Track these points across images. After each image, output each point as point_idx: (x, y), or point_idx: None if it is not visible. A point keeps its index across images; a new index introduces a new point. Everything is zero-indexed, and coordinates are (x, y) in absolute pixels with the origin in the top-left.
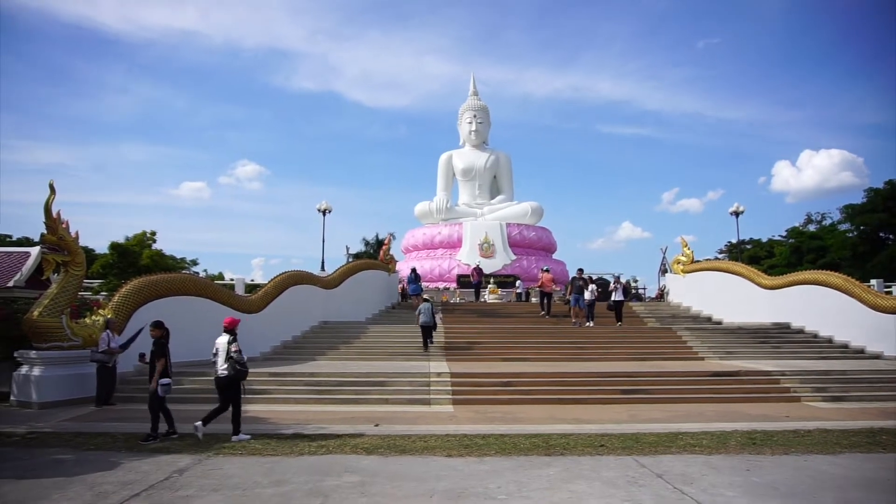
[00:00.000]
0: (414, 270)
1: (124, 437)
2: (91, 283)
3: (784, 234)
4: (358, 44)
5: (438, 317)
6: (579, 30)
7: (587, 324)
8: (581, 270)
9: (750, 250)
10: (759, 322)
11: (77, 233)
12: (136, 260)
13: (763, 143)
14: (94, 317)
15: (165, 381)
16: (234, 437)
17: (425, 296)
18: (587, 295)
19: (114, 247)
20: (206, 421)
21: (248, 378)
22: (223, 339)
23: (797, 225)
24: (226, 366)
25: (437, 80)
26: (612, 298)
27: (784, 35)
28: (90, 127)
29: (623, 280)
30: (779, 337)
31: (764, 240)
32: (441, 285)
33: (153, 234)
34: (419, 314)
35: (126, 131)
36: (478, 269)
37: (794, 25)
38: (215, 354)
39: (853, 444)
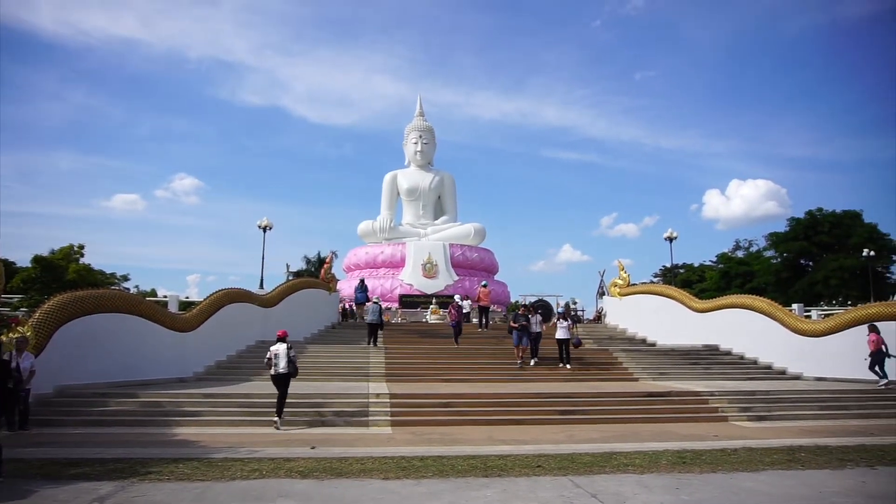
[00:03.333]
0: (362, 281)
1: (39, 462)
2: (10, 298)
3: (714, 259)
4: (306, 60)
5: (389, 314)
6: (527, 56)
7: (531, 361)
8: (526, 307)
9: (683, 274)
10: (691, 344)
11: None
12: (61, 274)
13: (695, 172)
14: (11, 334)
15: None
16: (276, 418)
17: (374, 298)
18: (534, 327)
19: (37, 260)
20: (279, 413)
21: (178, 400)
22: (282, 347)
23: (726, 251)
24: (286, 366)
25: (385, 100)
26: (557, 336)
27: (715, 71)
28: (18, 133)
29: (570, 307)
30: (708, 358)
31: (696, 264)
32: (383, 305)
33: (81, 247)
34: (367, 312)
35: (57, 139)
36: (457, 307)
37: (725, 62)
38: (276, 357)
39: (774, 462)
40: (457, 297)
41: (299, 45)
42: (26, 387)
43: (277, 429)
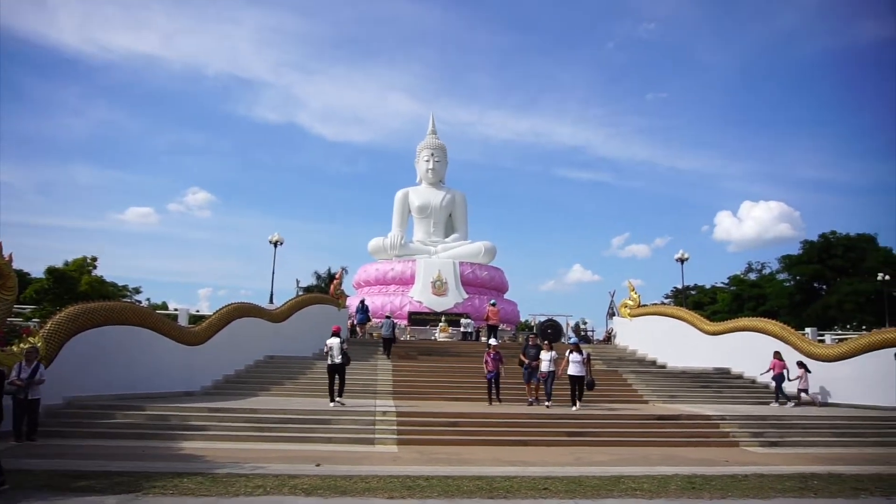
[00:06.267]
0: (362, 302)
1: (47, 474)
2: (23, 308)
3: (726, 281)
4: (323, 78)
5: (397, 331)
6: (541, 76)
7: (545, 403)
8: (535, 336)
9: (694, 296)
10: (702, 366)
11: (11, 255)
12: (74, 286)
13: (707, 193)
14: (23, 345)
15: None
16: (338, 398)
17: (387, 313)
18: (545, 365)
19: (50, 271)
20: (339, 395)
21: (184, 414)
22: (336, 340)
23: (739, 273)
24: (340, 357)
25: (399, 118)
26: (569, 371)
27: (729, 92)
28: (38, 146)
29: (580, 327)
30: (719, 381)
31: (708, 286)
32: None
33: (94, 259)
34: (381, 327)
35: (76, 153)
36: (495, 355)
37: (739, 84)
38: (330, 349)
39: (786, 489)
40: (492, 341)
41: (316, 62)
42: (34, 396)
43: (339, 404)
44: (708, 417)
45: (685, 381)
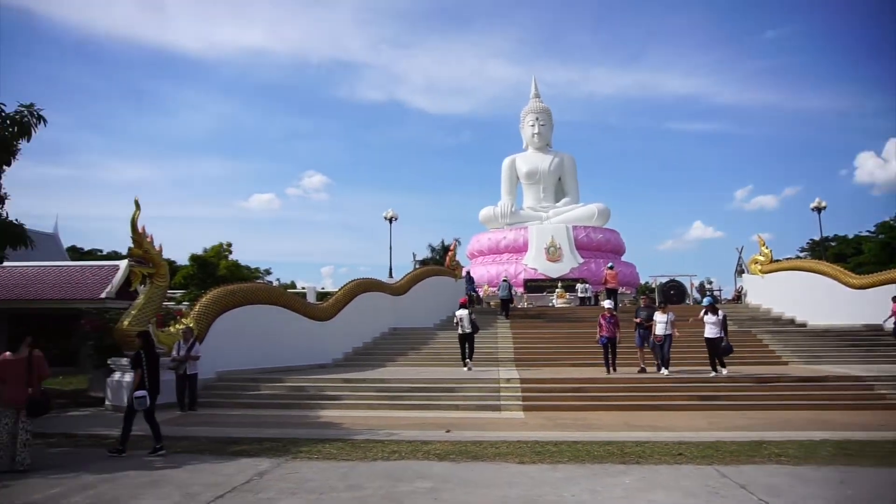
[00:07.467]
0: (468, 273)
1: (208, 440)
2: (174, 293)
3: (873, 229)
4: (420, 51)
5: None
6: (643, 27)
7: (663, 371)
8: (646, 297)
9: (834, 248)
10: (848, 324)
11: (160, 246)
12: (214, 271)
13: (843, 134)
14: (177, 325)
15: (140, 393)
16: (469, 361)
17: (504, 277)
18: (659, 328)
19: (194, 258)
20: (469, 358)
21: (320, 385)
22: (465, 312)
23: (888, 219)
24: (470, 326)
25: (500, 84)
26: (706, 334)
27: (861, 19)
28: (169, 144)
29: (705, 287)
30: (870, 340)
31: (850, 236)
32: None
33: (229, 245)
34: (498, 290)
35: (201, 147)
36: (610, 317)
37: (872, 7)
38: (461, 320)
39: None
40: (606, 303)
41: (413, 36)
42: (192, 372)
43: (469, 369)
44: (859, 378)
45: (829, 341)
